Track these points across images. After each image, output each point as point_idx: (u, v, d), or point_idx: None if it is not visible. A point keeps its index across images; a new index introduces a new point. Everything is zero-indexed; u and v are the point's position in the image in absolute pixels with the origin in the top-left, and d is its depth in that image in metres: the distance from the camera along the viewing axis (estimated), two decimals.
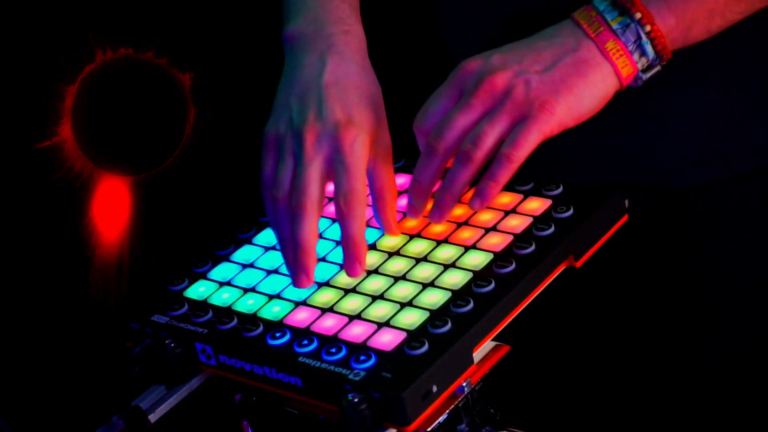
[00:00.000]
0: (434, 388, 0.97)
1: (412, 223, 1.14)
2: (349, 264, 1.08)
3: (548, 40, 1.07)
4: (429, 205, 1.11)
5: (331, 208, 1.14)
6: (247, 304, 1.09)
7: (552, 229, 1.08)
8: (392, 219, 1.12)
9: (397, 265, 1.09)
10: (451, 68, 1.09)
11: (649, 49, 1.06)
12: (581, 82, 1.05)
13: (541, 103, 1.03)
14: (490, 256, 1.07)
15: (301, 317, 1.06)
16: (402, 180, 1.20)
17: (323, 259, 1.12)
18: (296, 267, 1.07)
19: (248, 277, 1.13)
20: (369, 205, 1.14)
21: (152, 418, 1.06)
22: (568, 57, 1.05)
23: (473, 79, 1.06)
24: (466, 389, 1.01)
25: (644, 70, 1.07)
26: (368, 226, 1.15)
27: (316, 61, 1.12)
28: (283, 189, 1.08)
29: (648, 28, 1.06)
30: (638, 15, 1.06)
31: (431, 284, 1.06)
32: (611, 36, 1.06)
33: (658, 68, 1.08)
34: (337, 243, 1.13)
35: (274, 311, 1.08)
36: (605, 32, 1.06)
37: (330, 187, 1.10)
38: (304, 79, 1.11)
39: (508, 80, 1.04)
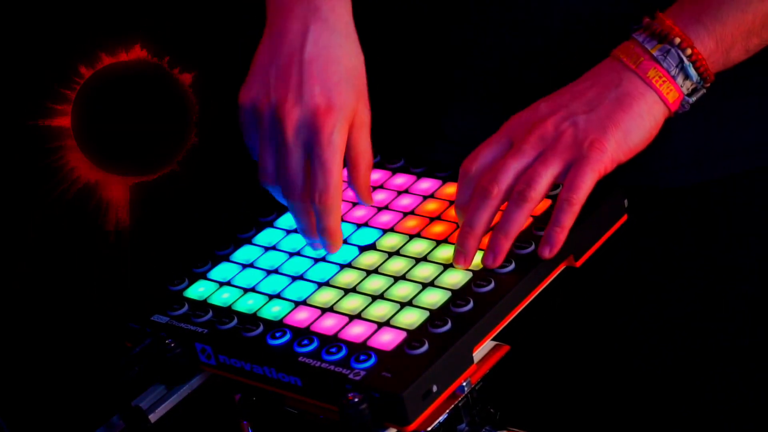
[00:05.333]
0: (434, 388, 0.97)
1: (411, 223, 1.14)
2: (327, 249, 1.12)
3: (590, 81, 1.08)
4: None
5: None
6: (247, 304, 1.10)
7: None
8: (366, 186, 1.14)
9: (397, 265, 1.09)
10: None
11: (692, 71, 1.07)
12: (627, 116, 1.06)
13: (591, 141, 1.05)
14: None
15: (301, 317, 1.06)
16: (402, 180, 1.20)
17: (323, 259, 1.13)
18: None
19: (248, 277, 1.13)
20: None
21: (152, 418, 1.06)
22: (611, 93, 1.06)
23: (523, 127, 1.07)
24: (466, 389, 1.01)
25: (690, 94, 1.08)
26: (367, 226, 1.15)
27: (299, 30, 1.12)
28: (272, 178, 1.11)
29: (689, 51, 1.07)
30: (677, 40, 1.07)
31: (431, 284, 1.06)
32: (652, 64, 1.07)
33: (703, 91, 1.09)
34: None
35: (274, 311, 1.08)
36: (646, 61, 1.07)
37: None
38: (285, 48, 1.12)
39: (557, 124, 1.06)
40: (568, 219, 1.05)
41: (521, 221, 1.06)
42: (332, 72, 1.10)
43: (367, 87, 1.13)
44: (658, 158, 1.23)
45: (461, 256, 1.07)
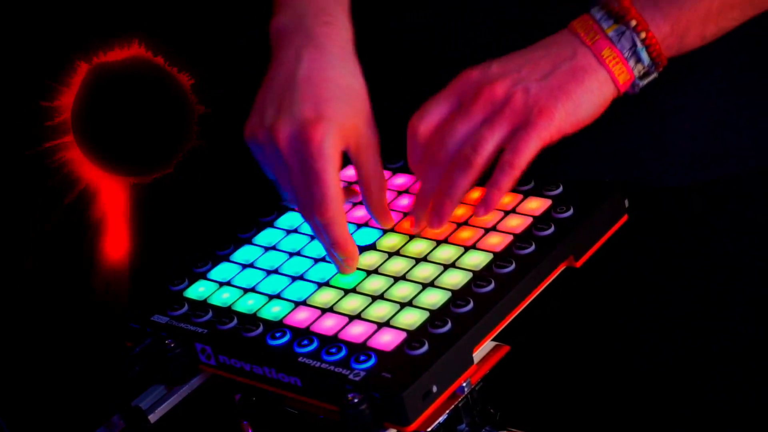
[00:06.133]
0: (434, 388, 0.97)
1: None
2: (342, 265, 1.09)
3: (545, 49, 1.08)
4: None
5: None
6: (247, 304, 1.10)
7: (552, 229, 1.08)
8: (381, 208, 1.12)
9: (397, 265, 1.09)
10: (443, 73, 1.08)
11: (644, 55, 1.07)
12: (579, 89, 1.05)
13: (540, 109, 1.04)
14: (490, 256, 1.07)
15: (301, 317, 1.06)
16: (402, 180, 1.20)
17: (323, 259, 1.13)
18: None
19: (248, 277, 1.13)
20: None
21: (152, 418, 1.06)
22: (565, 64, 1.06)
23: (472, 87, 1.07)
24: (466, 389, 1.01)
25: (641, 77, 1.08)
26: (367, 226, 1.15)
27: (293, 56, 1.11)
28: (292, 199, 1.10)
29: (643, 35, 1.07)
30: (633, 22, 1.07)
31: (431, 284, 1.06)
32: (607, 43, 1.07)
33: (654, 75, 1.09)
34: None
35: (274, 311, 1.08)
36: (601, 40, 1.07)
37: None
38: (281, 76, 1.10)
39: (507, 88, 1.06)
40: (508, 182, 1.05)
41: (466, 186, 1.06)
42: (324, 89, 1.08)
43: (370, 110, 1.11)
44: (658, 157, 1.23)
45: (415, 223, 1.10)
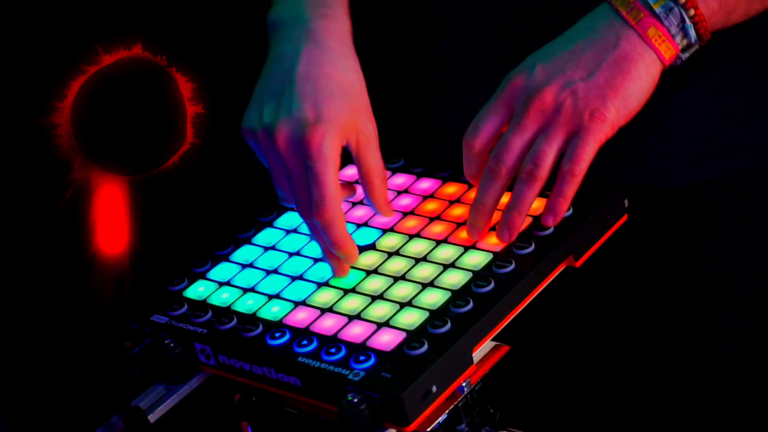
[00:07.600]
0: (434, 388, 0.97)
1: (411, 223, 1.14)
2: (339, 267, 1.09)
3: (586, 38, 1.06)
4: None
5: None
6: (247, 304, 1.10)
7: (552, 229, 1.08)
8: (383, 200, 1.12)
9: (396, 265, 1.09)
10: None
11: (692, 32, 1.05)
12: (627, 81, 1.04)
13: (591, 112, 1.03)
14: (490, 256, 1.07)
15: (301, 317, 1.06)
16: (402, 179, 1.20)
17: (323, 259, 1.12)
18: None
19: (248, 277, 1.13)
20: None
21: (152, 418, 1.06)
22: (609, 56, 1.04)
23: (522, 96, 1.06)
24: (465, 389, 1.01)
25: (683, 50, 1.06)
26: (367, 226, 1.15)
27: (291, 52, 1.11)
28: (289, 198, 1.10)
29: (692, 12, 1.05)
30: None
31: (431, 284, 1.06)
32: (653, 21, 1.04)
33: (696, 47, 1.07)
34: None
35: (273, 311, 1.08)
36: (646, 18, 1.04)
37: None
38: (279, 72, 1.11)
39: (556, 95, 1.04)
40: (572, 190, 1.06)
41: (533, 198, 1.07)
42: (322, 87, 1.08)
43: (369, 104, 1.11)
44: (658, 157, 1.23)
45: (475, 231, 1.09)
